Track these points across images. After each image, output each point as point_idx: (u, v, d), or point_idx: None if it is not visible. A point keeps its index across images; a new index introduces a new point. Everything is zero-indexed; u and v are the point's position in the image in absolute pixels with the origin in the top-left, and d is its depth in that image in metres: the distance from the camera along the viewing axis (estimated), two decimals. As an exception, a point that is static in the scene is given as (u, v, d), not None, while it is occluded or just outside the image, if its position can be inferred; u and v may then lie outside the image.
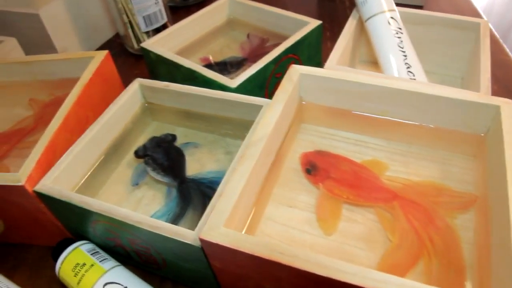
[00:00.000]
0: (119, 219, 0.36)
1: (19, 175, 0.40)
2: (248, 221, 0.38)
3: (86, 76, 0.51)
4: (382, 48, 0.53)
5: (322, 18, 0.59)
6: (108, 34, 0.82)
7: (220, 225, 0.32)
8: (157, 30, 0.72)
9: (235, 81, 0.48)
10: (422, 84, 0.45)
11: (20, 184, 0.39)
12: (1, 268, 0.47)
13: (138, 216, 0.36)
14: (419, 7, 0.79)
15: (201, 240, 0.32)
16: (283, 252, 0.30)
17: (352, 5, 0.82)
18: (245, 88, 0.48)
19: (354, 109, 0.46)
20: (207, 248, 0.33)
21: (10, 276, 0.46)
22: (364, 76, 0.44)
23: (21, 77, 0.59)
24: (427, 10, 0.58)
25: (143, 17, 0.69)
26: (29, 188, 0.40)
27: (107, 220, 0.37)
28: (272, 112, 0.41)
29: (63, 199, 0.39)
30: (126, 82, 0.58)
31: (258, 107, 0.44)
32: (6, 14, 0.69)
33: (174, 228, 0.35)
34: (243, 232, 0.37)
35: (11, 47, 0.64)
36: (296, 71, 0.45)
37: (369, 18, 0.54)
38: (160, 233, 0.34)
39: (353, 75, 0.44)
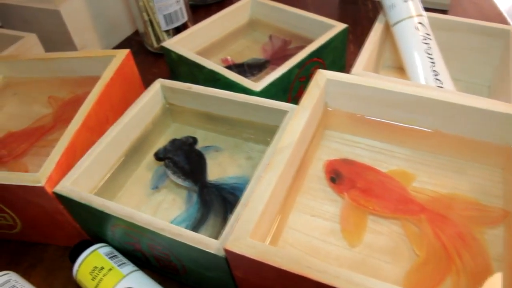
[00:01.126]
0: (141, 225, 0.35)
1: (39, 175, 0.39)
2: (273, 231, 0.37)
3: (107, 75, 0.50)
4: (409, 54, 0.52)
5: (344, 20, 0.58)
6: (127, 32, 0.81)
7: (246, 236, 0.31)
8: (177, 29, 0.71)
9: (259, 85, 0.47)
10: (451, 93, 0.44)
11: (40, 185, 0.39)
12: (18, 267, 0.47)
13: (160, 222, 0.35)
14: (444, 11, 0.78)
15: (226, 251, 0.31)
16: (311, 266, 0.29)
17: (375, 7, 0.81)
18: (268, 91, 0.47)
19: (380, 117, 0.45)
20: (231, 259, 0.32)
21: (26, 276, 0.45)
22: (392, 84, 0.43)
23: (41, 74, 0.58)
24: (452, 15, 0.57)
25: (164, 15, 0.68)
26: (48, 189, 0.40)
27: (128, 225, 0.37)
28: (298, 119, 0.40)
29: (83, 201, 0.38)
30: (144, 81, 0.57)
31: (283, 112, 0.43)
32: (27, 10, 0.69)
33: (198, 237, 0.34)
34: (267, 242, 0.36)
35: (32, 44, 0.64)
36: (323, 76, 0.44)
37: (396, 23, 0.53)
38: (183, 241, 0.34)
39: (381, 82, 0.43)
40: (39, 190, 0.39)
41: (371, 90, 0.43)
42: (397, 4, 0.53)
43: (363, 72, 0.47)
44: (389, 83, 0.43)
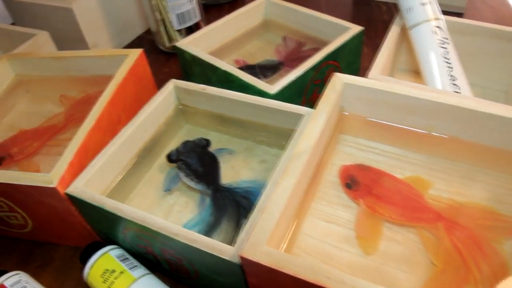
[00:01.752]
0: (155, 229, 0.35)
1: (51, 176, 0.39)
2: (288, 237, 0.36)
3: (120, 75, 0.49)
4: (426, 58, 0.51)
5: (357, 21, 0.57)
6: (138, 31, 0.81)
7: (263, 243, 0.31)
8: (189, 28, 0.70)
9: (274, 87, 0.46)
10: (469, 99, 0.43)
11: (52, 186, 0.39)
12: (28, 267, 0.47)
13: (175, 227, 0.34)
14: (459, 14, 0.77)
15: (242, 258, 0.31)
16: (329, 276, 0.29)
17: (389, 9, 0.80)
18: (283, 94, 0.47)
19: (396, 122, 0.44)
20: (247, 266, 0.32)
21: (37, 276, 0.45)
22: (410, 89, 0.42)
23: (53, 72, 0.58)
24: (467, 18, 0.56)
25: (177, 14, 0.67)
26: (61, 190, 0.39)
27: (141, 228, 0.36)
28: (315, 123, 0.39)
29: (95, 204, 0.38)
30: (156, 80, 0.57)
31: (298, 116, 0.42)
32: (40, 7, 0.69)
33: (212, 243, 0.33)
34: (282, 249, 0.35)
35: (44, 41, 0.63)
36: (339, 79, 0.43)
37: (413, 26, 0.52)
38: (197, 246, 0.33)
39: (399, 87, 0.42)
40: (51, 191, 0.39)
41: (388, 95, 0.43)
42: (414, 7, 0.52)
43: (380, 76, 0.46)
44: (407, 88, 0.42)
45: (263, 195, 0.36)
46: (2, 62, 0.58)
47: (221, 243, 0.33)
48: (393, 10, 0.79)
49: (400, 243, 0.38)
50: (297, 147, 0.37)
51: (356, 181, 0.42)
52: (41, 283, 0.43)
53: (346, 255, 0.38)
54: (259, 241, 0.31)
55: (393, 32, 0.53)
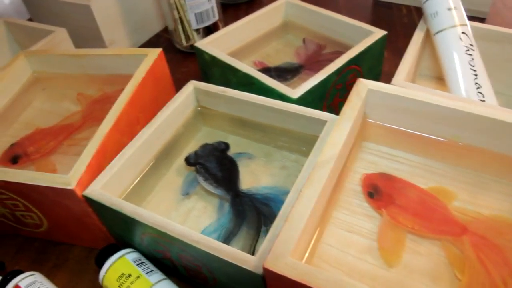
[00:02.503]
0: (175, 236, 0.34)
1: (69, 178, 0.38)
2: (310, 247, 0.35)
3: (139, 75, 0.49)
4: (450, 65, 0.49)
5: (377, 24, 0.56)
6: (155, 29, 0.80)
7: (287, 255, 0.30)
8: (207, 28, 0.70)
9: (297, 92, 0.45)
10: (498, 109, 0.42)
11: (70, 187, 0.38)
12: (42, 267, 0.46)
13: (195, 234, 0.34)
14: (481, 19, 0.75)
15: (265, 270, 0.30)
16: (356, 292, 0.28)
17: (409, 12, 0.79)
18: (305, 99, 0.46)
19: (420, 131, 0.43)
20: (270, 278, 0.31)
21: (51, 276, 0.44)
22: (436, 97, 0.41)
23: (71, 70, 0.57)
24: (490, 23, 0.55)
25: (195, 14, 0.66)
26: (78, 192, 0.39)
27: (160, 234, 0.35)
28: (340, 131, 0.38)
29: (113, 207, 0.37)
30: (173, 80, 0.56)
31: (321, 122, 0.41)
32: (58, 4, 0.68)
33: (234, 252, 0.32)
34: (304, 259, 0.34)
35: (61, 38, 0.63)
36: (364, 86, 0.42)
37: (439, 32, 0.51)
38: (219, 255, 0.32)
39: (425, 95, 0.41)
40: (69, 193, 0.38)
41: (413, 102, 0.41)
42: (440, 12, 0.51)
43: (405, 83, 0.45)
44: (432, 96, 0.41)
45: (286, 204, 0.35)
46: (20, 59, 0.57)
47: (243, 252, 0.32)
48: (414, 13, 0.78)
49: (423, 256, 0.37)
50: (321, 155, 0.36)
51: (379, 191, 0.41)
52: (55, 283, 0.43)
53: (368, 266, 0.37)
54: (283, 252, 0.30)
55: (417, 37, 0.52)
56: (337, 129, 0.38)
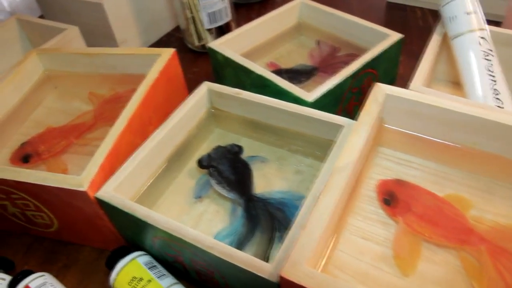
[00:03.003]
0: (189, 241, 0.33)
1: (81, 179, 0.38)
2: (326, 255, 0.35)
3: (152, 75, 0.48)
4: (468, 70, 0.49)
5: (391, 26, 0.55)
6: (167, 28, 0.79)
7: (304, 263, 0.29)
8: (220, 28, 0.69)
9: (312, 95, 0.44)
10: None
11: (82, 189, 0.37)
12: (52, 267, 0.46)
13: (209, 240, 0.33)
14: (497, 23, 0.74)
15: (281, 278, 0.29)
16: (375, 304, 0.27)
17: (424, 15, 0.78)
18: (321, 102, 0.45)
19: (437, 137, 0.43)
20: (286, 286, 0.30)
21: (60, 277, 0.44)
22: (454, 103, 0.40)
23: (82, 69, 0.57)
24: (506, 27, 0.54)
25: (208, 13, 0.66)
26: (90, 194, 0.38)
27: (173, 238, 0.35)
28: (357, 136, 0.38)
29: (126, 210, 0.36)
30: (185, 80, 0.55)
31: (337, 126, 0.41)
32: (70, 1, 0.68)
33: (249, 259, 0.32)
34: (320, 267, 0.34)
35: (73, 36, 0.62)
36: (381, 90, 0.41)
37: (456, 36, 0.50)
38: (233, 262, 0.32)
39: (443, 101, 0.40)
40: (81, 194, 0.38)
41: (431, 108, 0.41)
42: (458, 16, 0.50)
43: (422, 88, 0.44)
44: (450, 102, 0.41)
45: (302, 210, 0.34)
46: (31, 57, 0.57)
47: (259, 260, 0.32)
48: (429, 16, 0.77)
49: (439, 265, 0.36)
50: (339, 161, 0.36)
51: (394, 197, 0.40)
52: (65, 284, 0.43)
53: (383, 275, 0.36)
54: (300, 260, 0.30)
55: (434, 41, 0.51)
56: (355, 135, 0.38)
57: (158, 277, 0.39)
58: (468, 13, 0.49)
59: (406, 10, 0.79)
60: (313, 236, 0.31)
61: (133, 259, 0.40)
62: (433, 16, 0.76)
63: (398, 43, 0.53)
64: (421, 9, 0.79)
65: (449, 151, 0.43)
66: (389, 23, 0.76)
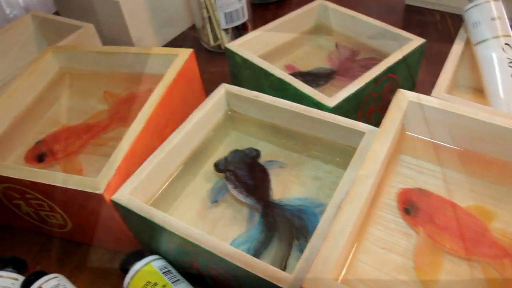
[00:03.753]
0: (206, 248, 0.33)
1: (98, 182, 0.37)
2: (346, 265, 0.34)
3: (169, 76, 0.47)
4: (492, 77, 0.47)
5: (408, 29, 0.54)
6: (183, 27, 0.79)
7: (326, 274, 0.29)
8: (236, 28, 0.68)
9: (333, 100, 0.44)
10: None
11: (98, 192, 0.37)
12: (64, 267, 0.45)
13: (228, 248, 0.32)
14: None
15: (303, 291, 0.28)
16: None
17: (443, 18, 0.76)
18: (341, 107, 0.44)
19: (461, 146, 0.42)
20: (307, 299, 0.29)
21: (73, 278, 0.44)
22: (479, 112, 0.39)
23: (98, 67, 0.56)
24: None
25: (225, 13, 0.65)
26: (107, 197, 0.37)
27: (190, 245, 0.34)
28: (380, 144, 0.37)
29: (143, 214, 0.36)
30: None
31: (358, 133, 0.40)
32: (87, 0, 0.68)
33: (268, 268, 0.31)
34: (340, 278, 0.33)
35: (89, 34, 0.62)
36: (405, 97, 0.40)
37: (480, 43, 0.49)
38: (252, 271, 0.31)
39: (468, 109, 0.39)
40: (97, 197, 0.37)
41: (454, 116, 0.40)
42: (483, 22, 0.49)
43: (446, 95, 0.43)
44: (475, 110, 0.39)
45: (323, 220, 0.33)
46: (47, 54, 0.56)
47: (278, 269, 0.31)
48: (448, 20, 0.76)
49: (461, 278, 0.36)
50: (362, 169, 0.35)
51: (415, 207, 0.39)
52: (77, 286, 0.42)
53: (403, 286, 0.35)
54: (322, 272, 0.29)
55: (457, 47, 0.50)
56: (378, 143, 0.37)
57: (173, 282, 0.38)
58: (492, 19, 0.48)
59: (424, 13, 0.78)
60: (336, 247, 0.30)
61: (148, 263, 0.39)
62: (452, 20, 0.75)
63: (420, 48, 0.52)
64: (440, 12, 0.78)
65: (472, 161, 0.42)
66: (407, 26, 0.75)
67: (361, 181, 0.34)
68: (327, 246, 0.30)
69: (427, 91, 0.43)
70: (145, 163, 0.40)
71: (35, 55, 0.58)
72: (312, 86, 0.46)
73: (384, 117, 0.39)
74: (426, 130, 0.42)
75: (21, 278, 0.42)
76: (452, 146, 0.42)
